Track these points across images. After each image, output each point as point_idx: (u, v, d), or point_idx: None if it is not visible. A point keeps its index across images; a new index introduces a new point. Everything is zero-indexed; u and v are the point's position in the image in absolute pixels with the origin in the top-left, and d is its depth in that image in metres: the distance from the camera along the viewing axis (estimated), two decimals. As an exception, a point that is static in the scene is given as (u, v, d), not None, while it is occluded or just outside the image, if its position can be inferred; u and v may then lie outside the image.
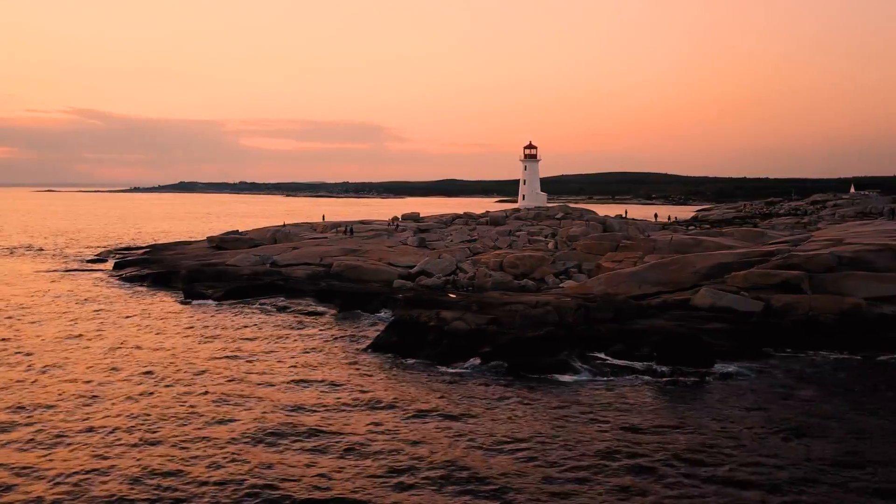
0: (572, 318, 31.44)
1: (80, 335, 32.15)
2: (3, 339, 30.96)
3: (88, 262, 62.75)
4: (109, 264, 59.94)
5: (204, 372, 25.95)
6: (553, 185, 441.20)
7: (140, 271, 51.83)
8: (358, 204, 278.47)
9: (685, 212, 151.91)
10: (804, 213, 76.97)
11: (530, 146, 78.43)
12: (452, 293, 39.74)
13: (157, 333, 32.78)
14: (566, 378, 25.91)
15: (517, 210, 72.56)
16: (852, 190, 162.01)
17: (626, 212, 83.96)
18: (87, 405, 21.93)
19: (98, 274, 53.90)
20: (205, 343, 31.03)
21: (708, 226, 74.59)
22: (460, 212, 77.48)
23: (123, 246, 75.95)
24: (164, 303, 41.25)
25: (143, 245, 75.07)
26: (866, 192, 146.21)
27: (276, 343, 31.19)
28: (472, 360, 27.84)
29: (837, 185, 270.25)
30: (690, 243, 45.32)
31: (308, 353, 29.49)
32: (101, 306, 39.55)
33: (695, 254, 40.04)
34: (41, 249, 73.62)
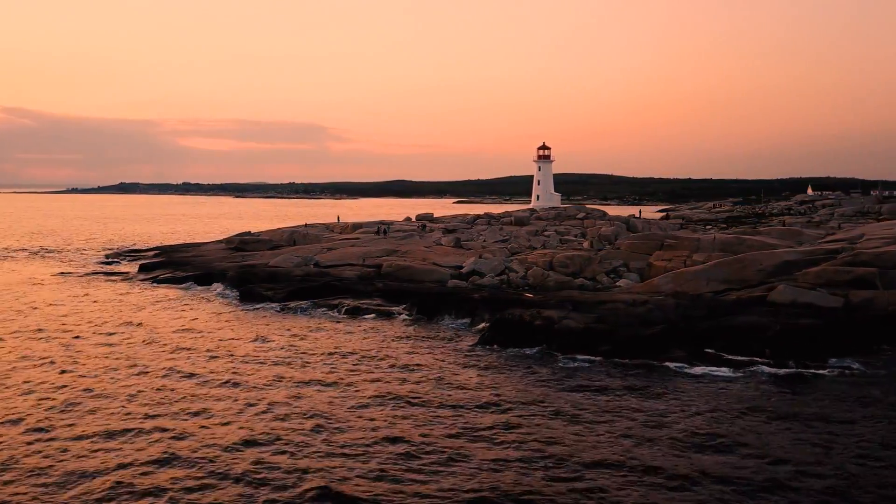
0: (673, 316, 32.22)
1: (174, 348, 29.75)
2: (100, 357, 27.74)
3: (102, 263, 61.15)
4: (126, 267, 58.54)
5: (349, 384, 24.26)
6: (498, 187, 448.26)
7: (175, 274, 50.74)
8: (316, 205, 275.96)
9: (647, 212, 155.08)
10: (798, 213, 79.76)
11: (544, 147, 79.43)
12: (529, 293, 40.10)
13: (255, 341, 31.08)
14: (696, 371, 26.79)
15: (533, 211, 73.38)
16: (809, 191, 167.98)
17: (639, 212, 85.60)
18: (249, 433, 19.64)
19: (126, 276, 52.51)
20: (312, 351, 29.72)
21: (710, 226, 76.49)
22: (470, 212, 77.89)
23: (128, 248, 74.01)
24: (224, 306, 40.45)
25: (148, 247, 73.31)
26: (825, 193, 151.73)
27: (384, 346, 30.37)
28: (591, 356, 28.41)
29: (778, 187, 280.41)
30: (734, 242, 46.66)
31: (422, 354, 29.18)
32: (160, 313, 38.13)
33: (760, 252, 41.28)
34: (39, 252, 71.17)
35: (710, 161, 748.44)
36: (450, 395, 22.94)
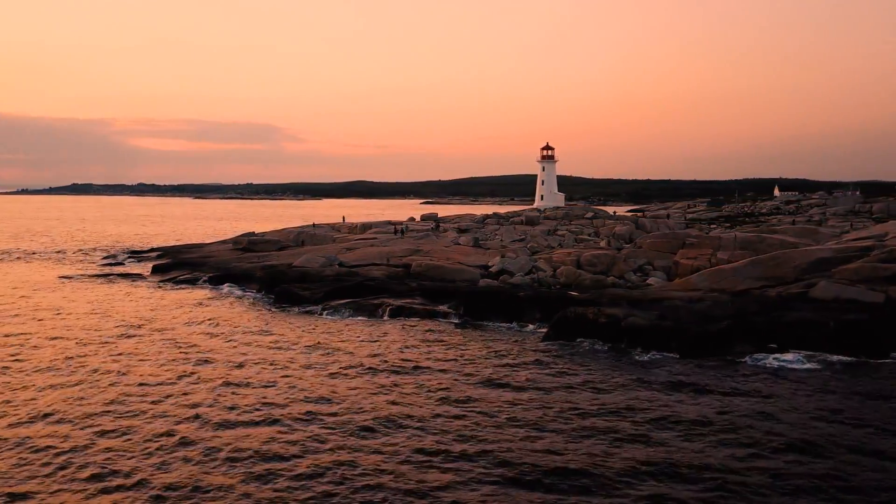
0: (731, 312, 32.92)
1: (224, 359, 28.27)
2: (171, 368, 26.11)
3: (104, 265, 59.82)
4: (136, 268, 57.40)
5: (439, 389, 23.85)
6: (463, 187, 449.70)
7: (194, 275, 49.96)
8: (285, 206, 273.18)
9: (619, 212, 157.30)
10: (788, 212, 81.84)
11: (547, 147, 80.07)
12: (573, 292, 40.49)
13: (328, 349, 30.13)
14: (771, 364, 27.65)
15: (539, 210, 73.92)
16: (776, 192, 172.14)
17: (644, 212, 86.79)
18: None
19: (141, 278, 51.48)
20: (389, 357, 29.18)
21: (714, 224, 77.88)
22: (462, 212, 78.08)
23: (126, 250, 72.48)
24: (263, 307, 39.96)
25: (147, 248, 71.96)
26: (792, 193, 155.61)
27: (454, 350, 29.80)
28: (665, 353, 28.96)
29: (735, 187, 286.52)
30: (755, 240, 47.71)
31: (498, 357, 28.96)
32: (194, 316, 37.01)
33: (794, 250, 42.27)
34: (31, 255, 69.25)
35: (667, 163, 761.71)
36: (556, 400, 22.77)
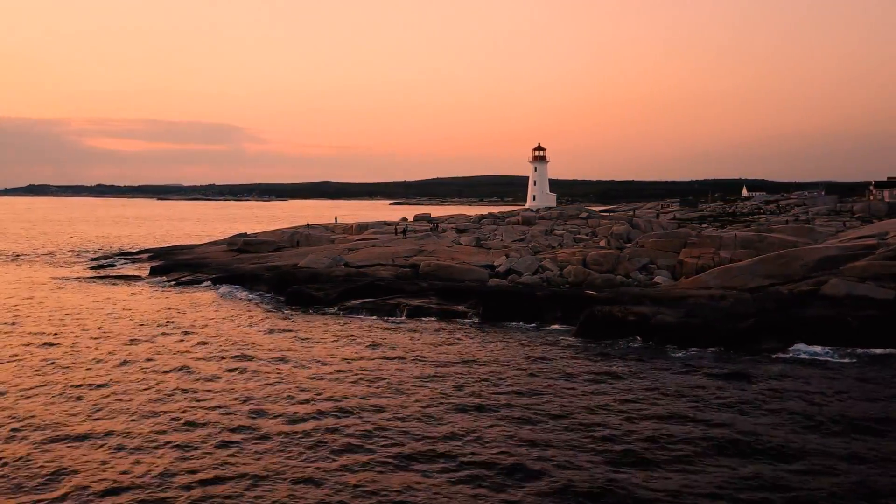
0: (753, 309, 33.61)
1: (262, 359, 28.55)
2: (204, 379, 24.50)
3: (95, 267, 58.67)
4: (131, 269, 56.48)
5: (494, 392, 24.15)
6: (429, 188, 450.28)
7: (196, 276, 49.35)
8: (253, 207, 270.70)
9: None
10: (770, 212, 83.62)
11: (539, 148, 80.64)
12: (590, 291, 40.87)
13: (357, 352, 30.22)
14: (804, 357, 28.49)
15: (532, 210, 74.38)
16: (745, 192, 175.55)
17: (633, 212, 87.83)
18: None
19: (139, 279, 50.67)
20: (418, 359, 29.09)
21: (705, 224, 78.98)
22: (455, 212, 78.26)
23: (115, 252, 71.25)
24: (276, 308, 39.60)
25: (137, 250, 70.85)
26: (756, 193, 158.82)
27: (483, 350, 29.87)
28: (699, 348, 29.52)
29: (698, 188, 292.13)
30: (755, 239, 48.64)
31: (531, 357, 29.10)
32: (212, 317, 36.60)
33: (801, 248, 43.24)
34: (15, 256, 67.68)
35: (629, 164, 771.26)
36: (603, 398, 22.93)
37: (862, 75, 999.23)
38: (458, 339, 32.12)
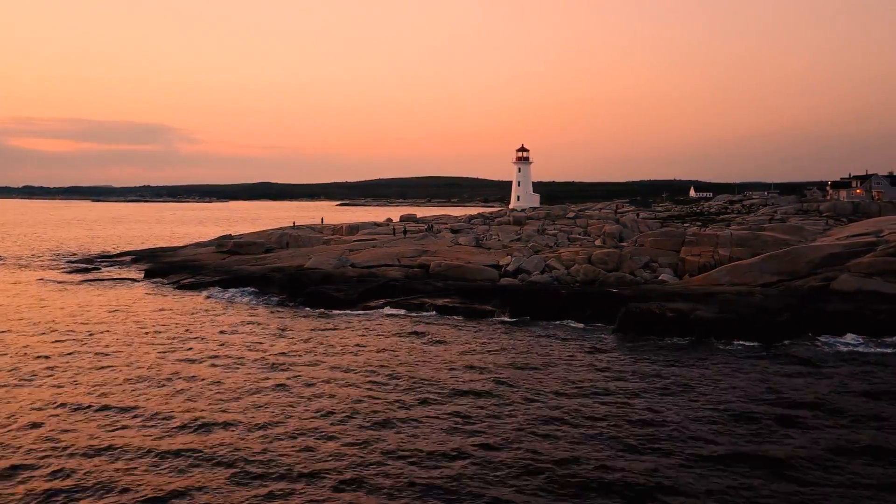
0: (780, 304, 34.88)
1: (302, 364, 27.65)
2: (238, 391, 22.92)
3: (79, 271, 56.74)
4: (116, 272, 54.86)
5: (552, 391, 24.29)
6: (373, 189, 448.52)
7: (198, 279, 48.24)
8: (198, 209, 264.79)
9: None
10: (738, 211, 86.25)
11: (522, 149, 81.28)
12: (603, 289, 41.55)
13: (397, 351, 30.09)
14: (841, 348, 29.82)
15: (512, 210, 75.00)
16: (692, 193, 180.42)
17: (616, 212, 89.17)
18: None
19: (133, 282, 49.31)
20: (462, 353, 29.73)
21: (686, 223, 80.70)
22: (439, 213, 78.30)
23: (97, 254, 69.05)
24: (296, 310, 39.19)
25: (119, 252, 68.86)
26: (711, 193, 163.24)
27: (528, 350, 30.16)
28: (744, 342, 30.58)
29: (638, 189, 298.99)
30: (750, 238, 50.32)
31: (576, 355, 29.53)
32: (234, 323, 35.65)
33: (806, 246, 44.98)
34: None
35: (568, 165, 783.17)
36: (685, 398, 23.32)
37: (797, 83, 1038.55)
38: (496, 337, 32.36)
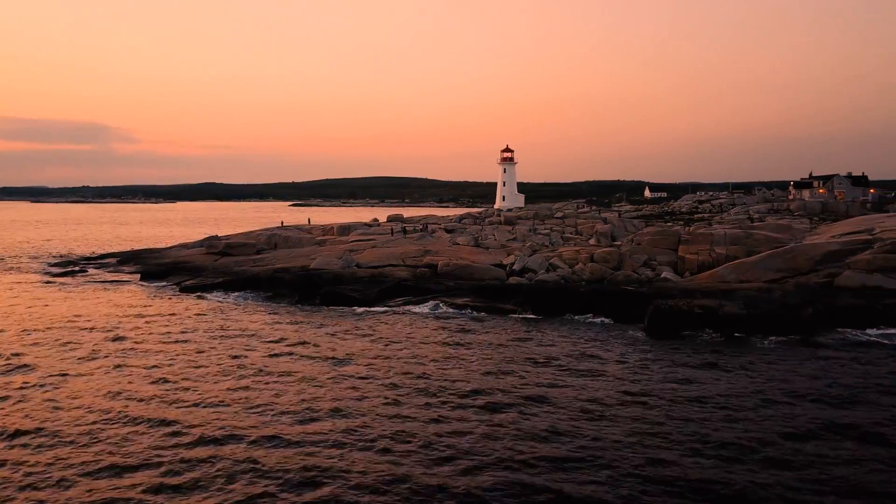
0: (798, 300, 36.18)
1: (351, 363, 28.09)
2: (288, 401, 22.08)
3: (63, 274, 55.05)
4: (106, 274, 53.51)
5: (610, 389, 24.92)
6: (322, 190, 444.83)
7: (201, 281, 47.38)
8: (147, 210, 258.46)
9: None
10: (710, 210, 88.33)
11: (507, 150, 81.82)
12: (613, 286, 42.35)
13: (440, 349, 30.60)
14: (870, 339, 31.33)
15: (496, 211, 75.48)
16: (647, 193, 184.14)
17: (600, 212, 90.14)
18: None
19: (130, 283, 48.22)
20: (502, 350, 30.25)
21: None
22: (424, 213, 78.31)
23: (77, 256, 67.02)
24: (315, 310, 38.97)
25: (101, 254, 67.03)
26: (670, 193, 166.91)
27: (557, 348, 31.05)
28: (778, 336, 31.69)
29: (587, 189, 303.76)
30: (743, 236, 51.88)
31: (612, 352, 30.43)
32: (261, 326, 35.33)
33: (807, 244, 46.57)
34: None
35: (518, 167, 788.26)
36: (721, 391, 24.24)
37: (742, 84, 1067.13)
38: (537, 336, 32.64)
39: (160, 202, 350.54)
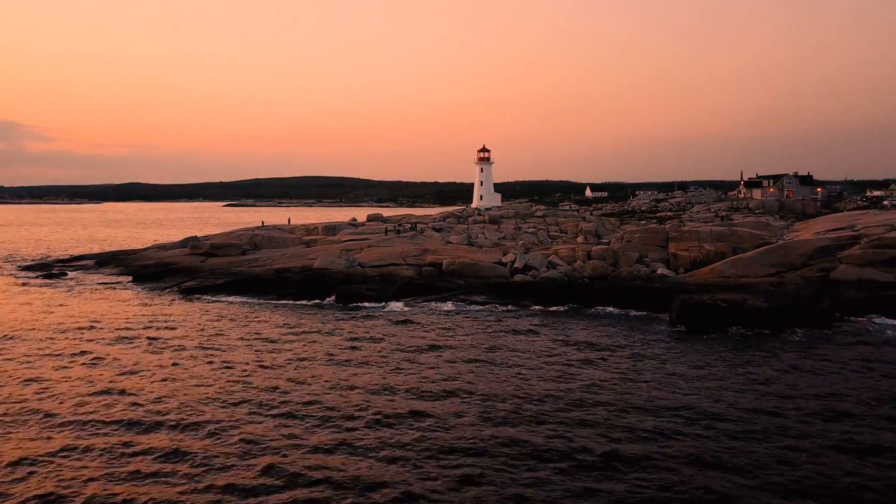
0: (810, 293, 37.93)
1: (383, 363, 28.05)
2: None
3: (44, 276, 52.96)
4: (90, 276, 51.67)
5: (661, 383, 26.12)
6: (254, 190, 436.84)
7: (201, 283, 46.16)
8: (73, 210, 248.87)
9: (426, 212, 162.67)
10: (672, 208, 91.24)
11: (484, 150, 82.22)
12: (622, 284, 43.48)
13: (478, 347, 31.01)
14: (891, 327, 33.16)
15: (475, 210, 75.90)
16: (588, 192, 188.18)
17: (578, 211, 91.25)
18: None
19: (122, 285, 46.76)
20: (539, 344, 30.92)
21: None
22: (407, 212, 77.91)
23: (54, 258, 64.30)
24: (334, 310, 38.74)
25: (76, 255, 64.56)
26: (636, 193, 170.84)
27: (588, 340, 31.87)
28: (806, 329, 33.15)
29: (521, 189, 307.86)
30: (727, 233, 53.90)
31: (638, 344, 31.40)
32: (292, 325, 34.88)
33: (798, 240, 48.66)
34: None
35: (443, 165, 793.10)
36: (767, 385, 25.40)
37: (672, 88, 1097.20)
38: (569, 330, 33.30)
39: (85, 202, 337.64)
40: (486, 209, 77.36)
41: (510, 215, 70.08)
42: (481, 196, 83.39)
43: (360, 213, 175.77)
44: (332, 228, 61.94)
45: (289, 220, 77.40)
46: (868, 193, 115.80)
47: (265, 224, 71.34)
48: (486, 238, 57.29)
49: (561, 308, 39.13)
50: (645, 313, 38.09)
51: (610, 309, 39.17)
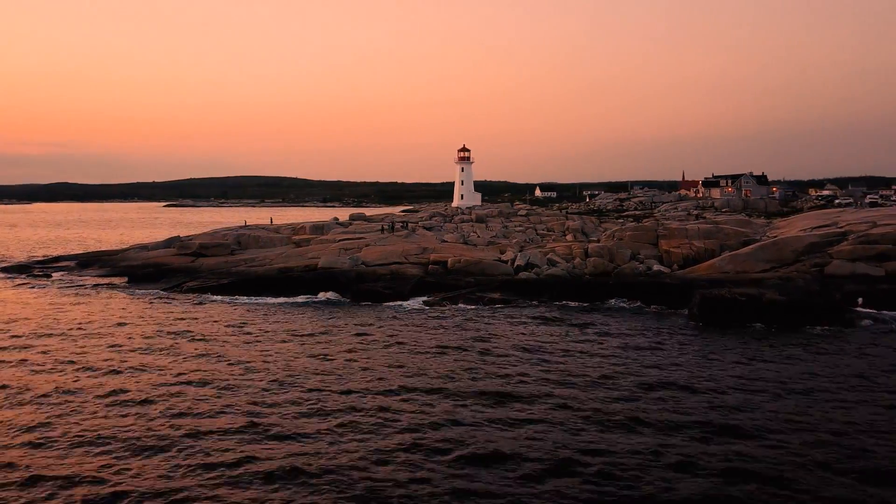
0: (818, 287, 39.61)
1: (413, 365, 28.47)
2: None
3: (30, 276, 51.05)
4: (75, 276, 50.08)
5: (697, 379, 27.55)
6: (190, 189, 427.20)
7: (203, 283, 45.20)
8: (17, 211, 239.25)
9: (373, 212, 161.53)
10: (639, 207, 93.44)
11: (464, 149, 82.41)
12: (625, 280, 44.54)
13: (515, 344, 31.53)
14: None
15: (459, 209, 76.10)
16: (538, 192, 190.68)
17: (567, 210, 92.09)
18: None
19: (116, 287, 45.50)
20: (574, 339, 31.62)
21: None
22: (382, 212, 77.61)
23: (36, 259, 61.86)
24: (352, 309, 38.61)
25: (52, 256, 62.27)
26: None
27: (616, 339, 32.84)
28: (826, 327, 34.51)
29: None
30: (714, 230, 55.73)
31: (664, 341, 32.42)
32: (319, 325, 34.64)
33: (790, 237, 50.55)
34: None
35: (391, 166, 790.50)
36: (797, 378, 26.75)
37: (617, 90, 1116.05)
38: (590, 326, 33.88)
39: (13, 203, 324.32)
40: (469, 207, 77.94)
41: (495, 214, 70.83)
42: (462, 195, 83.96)
43: (313, 214, 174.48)
44: (320, 228, 61.42)
45: (271, 219, 76.40)
46: (812, 193, 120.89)
47: (247, 225, 70.14)
48: (479, 237, 57.76)
49: (575, 304, 39.92)
50: (659, 308, 39.19)
51: (623, 304, 40.21)
